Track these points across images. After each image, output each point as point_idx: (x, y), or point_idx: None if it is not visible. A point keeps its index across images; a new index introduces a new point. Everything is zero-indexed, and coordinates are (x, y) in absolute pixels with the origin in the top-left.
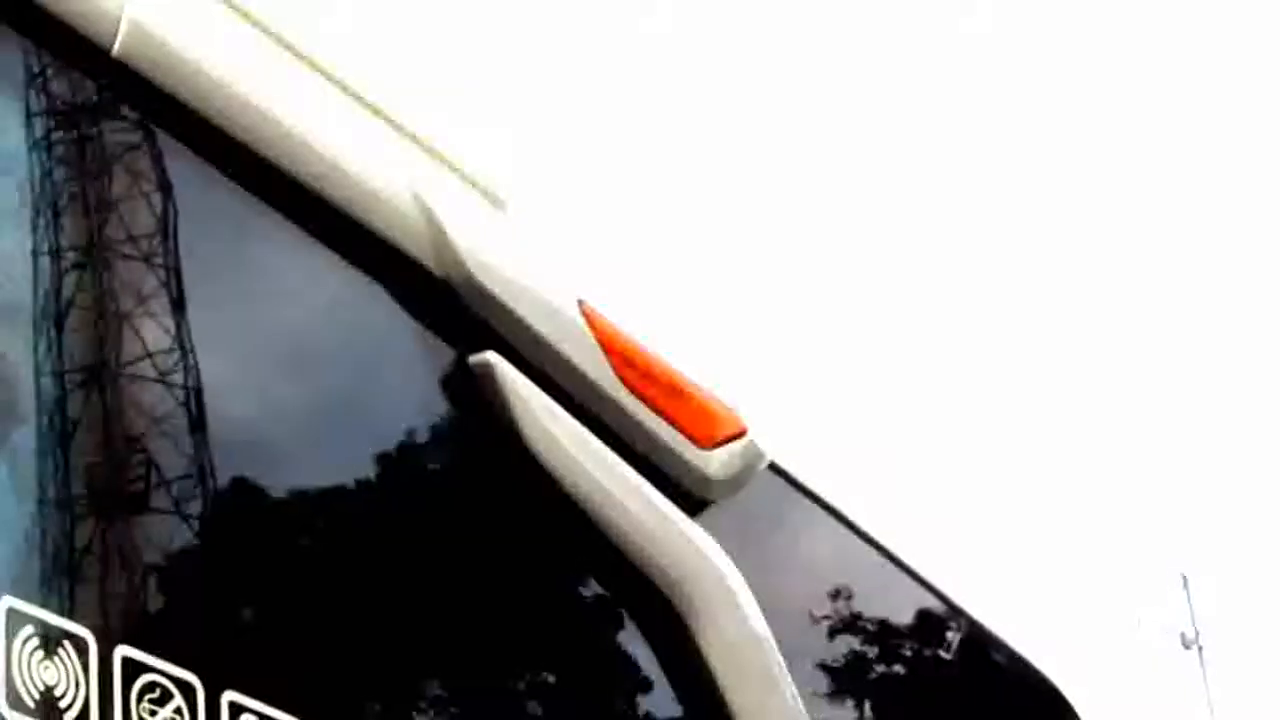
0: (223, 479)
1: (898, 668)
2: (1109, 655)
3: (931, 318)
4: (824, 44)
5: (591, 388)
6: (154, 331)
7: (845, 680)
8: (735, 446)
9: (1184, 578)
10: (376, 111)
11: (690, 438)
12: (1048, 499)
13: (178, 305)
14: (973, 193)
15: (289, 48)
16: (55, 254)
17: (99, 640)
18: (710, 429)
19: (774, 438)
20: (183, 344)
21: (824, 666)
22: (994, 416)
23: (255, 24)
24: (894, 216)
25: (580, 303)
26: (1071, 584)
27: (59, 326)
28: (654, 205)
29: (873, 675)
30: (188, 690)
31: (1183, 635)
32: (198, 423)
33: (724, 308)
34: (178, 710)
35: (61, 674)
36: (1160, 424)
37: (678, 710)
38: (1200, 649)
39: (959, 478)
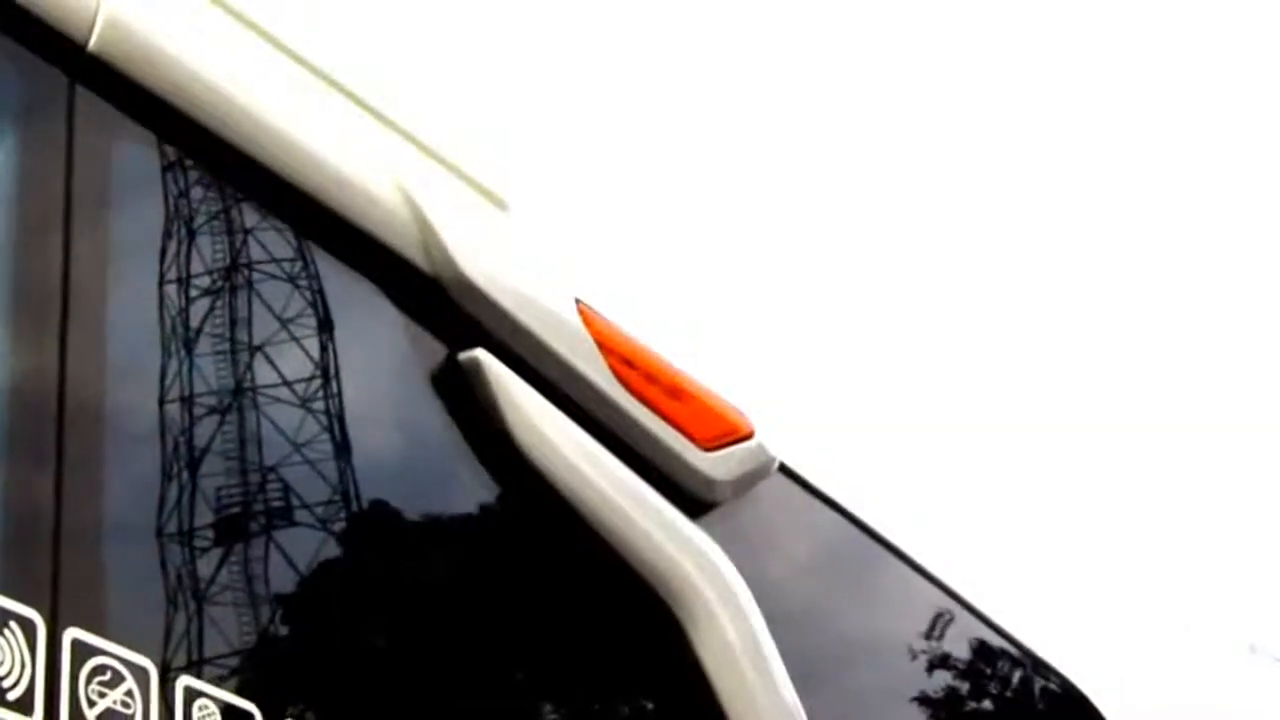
0: (201, 473)
1: (912, 675)
2: (1172, 663)
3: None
4: (823, 43)
5: (588, 388)
6: (128, 328)
7: (855, 685)
8: (740, 448)
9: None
10: (367, 108)
11: (691, 439)
12: (1118, 504)
13: (162, 302)
14: (987, 186)
15: (274, 42)
16: (20, 250)
17: (48, 622)
18: (712, 430)
19: (786, 440)
20: (163, 337)
21: (834, 670)
22: (1067, 423)
23: (238, 18)
24: (904, 211)
25: (577, 302)
26: (1137, 595)
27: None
28: (655, 205)
29: (884, 681)
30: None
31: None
32: (180, 417)
33: (729, 308)
34: (129, 693)
35: (7, 655)
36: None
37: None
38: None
39: (1029, 483)
